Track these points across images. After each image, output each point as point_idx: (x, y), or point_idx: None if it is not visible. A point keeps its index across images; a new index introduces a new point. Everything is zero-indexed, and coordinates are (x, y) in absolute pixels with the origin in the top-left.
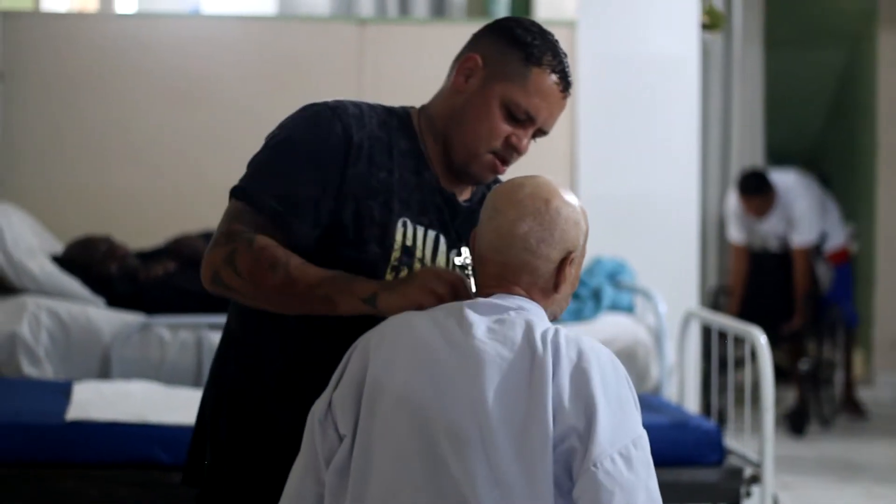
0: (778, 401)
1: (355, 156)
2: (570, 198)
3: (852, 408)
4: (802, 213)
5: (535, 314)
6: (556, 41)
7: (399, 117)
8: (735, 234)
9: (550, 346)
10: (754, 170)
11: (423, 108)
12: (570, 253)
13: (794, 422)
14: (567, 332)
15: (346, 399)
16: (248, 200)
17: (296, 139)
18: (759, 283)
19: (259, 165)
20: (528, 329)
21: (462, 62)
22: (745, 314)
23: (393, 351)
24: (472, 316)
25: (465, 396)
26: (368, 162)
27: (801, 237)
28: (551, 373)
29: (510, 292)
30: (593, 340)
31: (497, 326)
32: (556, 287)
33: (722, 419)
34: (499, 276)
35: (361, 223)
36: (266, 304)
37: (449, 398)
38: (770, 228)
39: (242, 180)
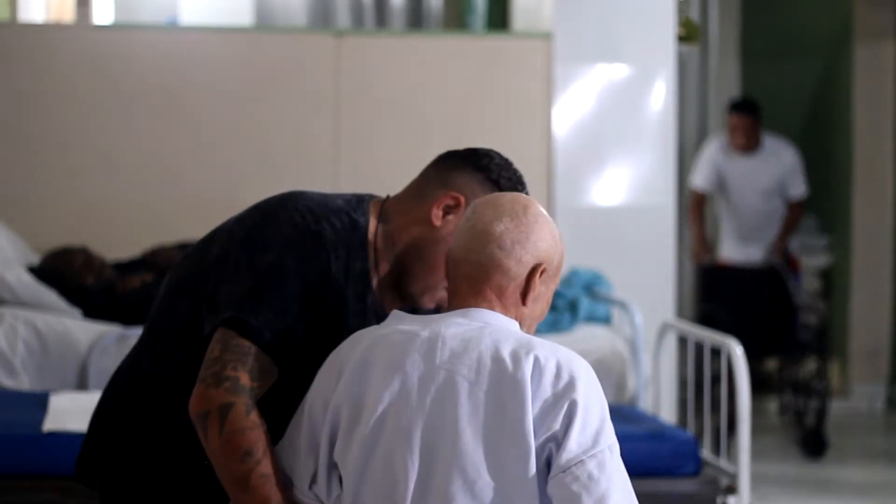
0: (762, 412)
1: (331, 292)
2: (548, 218)
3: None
4: (795, 162)
5: (503, 328)
6: (522, 176)
7: (359, 232)
8: (700, 180)
9: (525, 361)
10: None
11: (384, 215)
12: (541, 264)
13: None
14: (543, 342)
15: (323, 473)
16: (248, 336)
17: (287, 270)
18: (747, 305)
19: (252, 293)
20: (495, 346)
21: (442, 197)
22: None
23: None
24: (435, 340)
25: (438, 423)
26: (335, 296)
27: (798, 190)
28: (528, 387)
29: (480, 296)
30: (570, 351)
31: (461, 347)
32: (524, 297)
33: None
34: (470, 277)
35: (313, 353)
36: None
37: (420, 428)
38: (751, 174)
39: (237, 309)
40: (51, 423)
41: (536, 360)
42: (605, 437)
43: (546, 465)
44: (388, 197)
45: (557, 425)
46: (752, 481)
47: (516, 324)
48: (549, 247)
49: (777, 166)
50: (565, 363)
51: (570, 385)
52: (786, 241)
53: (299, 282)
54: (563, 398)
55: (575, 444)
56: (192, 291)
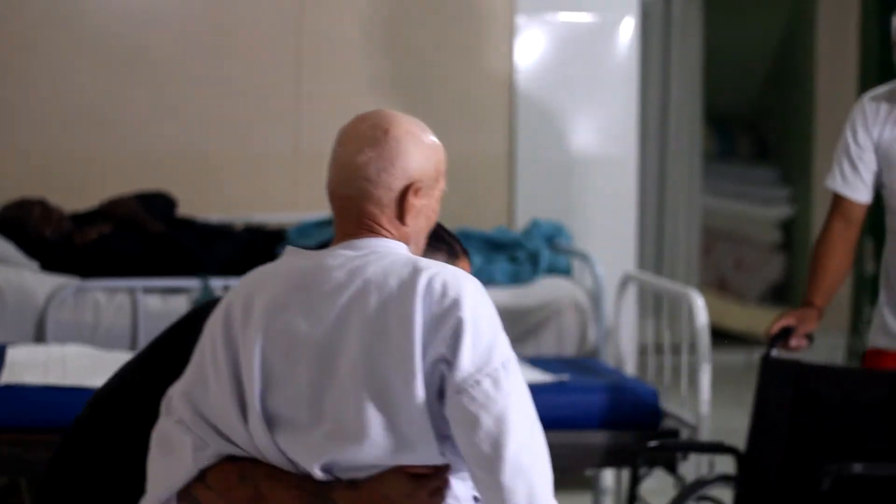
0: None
1: None
2: (418, 129)
3: None
4: None
5: (389, 252)
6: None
7: None
8: (848, 185)
9: (410, 282)
10: None
11: None
12: (413, 182)
13: None
14: (429, 262)
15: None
16: None
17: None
18: None
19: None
20: (381, 271)
21: None
22: None
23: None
24: (321, 271)
25: (326, 352)
26: None
27: None
28: (414, 308)
29: (360, 224)
30: (458, 269)
31: (346, 276)
32: (401, 218)
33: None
34: (346, 210)
35: None
36: None
37: (308, 359)
38: None
39: None
40: (7, 377)
41: (421, 280)
42: (498, 353)
43: (441, 388)
44: None
45: (445, 346)
46: (711, 429)
47: (403, 246)
48: (421, 162)
49: None
50: (452, 282)
51: (456, 303)
52: None
53: None
54: (449, 317)
55: (467, 362)
56: None
